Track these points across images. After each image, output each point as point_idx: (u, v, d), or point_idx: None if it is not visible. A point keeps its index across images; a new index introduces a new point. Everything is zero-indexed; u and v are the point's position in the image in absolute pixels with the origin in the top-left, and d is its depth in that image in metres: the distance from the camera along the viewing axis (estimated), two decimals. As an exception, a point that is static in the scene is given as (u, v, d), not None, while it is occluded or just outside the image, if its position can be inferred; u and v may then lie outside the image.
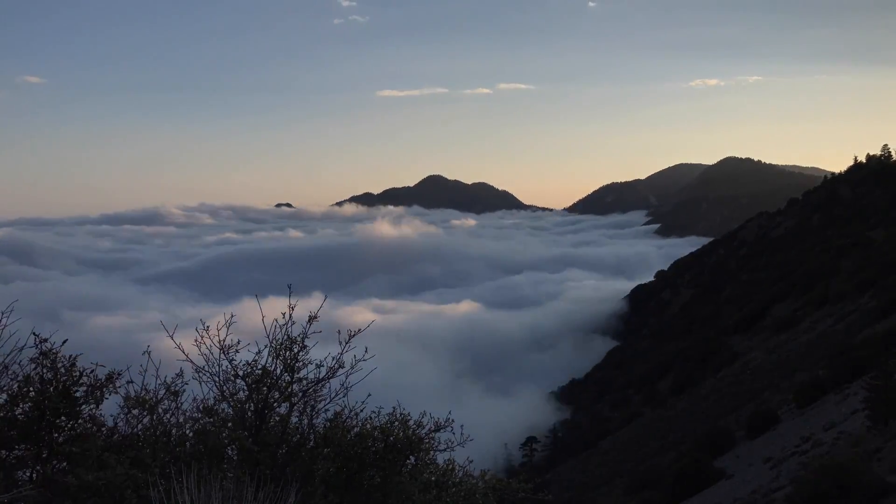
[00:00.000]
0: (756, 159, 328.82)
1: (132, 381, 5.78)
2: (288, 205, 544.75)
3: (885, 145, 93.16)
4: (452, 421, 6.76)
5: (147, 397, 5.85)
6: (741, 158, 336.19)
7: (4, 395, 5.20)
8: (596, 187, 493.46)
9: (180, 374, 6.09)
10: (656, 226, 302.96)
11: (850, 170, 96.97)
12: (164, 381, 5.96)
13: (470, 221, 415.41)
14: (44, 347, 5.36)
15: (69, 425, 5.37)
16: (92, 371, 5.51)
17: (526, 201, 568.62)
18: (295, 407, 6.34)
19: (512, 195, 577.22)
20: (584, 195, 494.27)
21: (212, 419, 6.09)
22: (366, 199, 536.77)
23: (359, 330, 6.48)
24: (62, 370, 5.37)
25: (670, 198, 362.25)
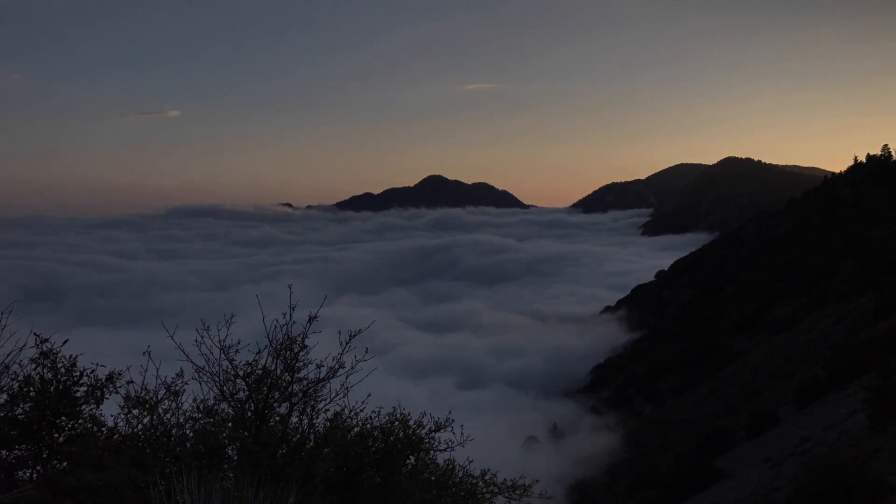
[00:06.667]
0: (756, 159, 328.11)
1: (132, 381, 5.78)
2: (288, 205, 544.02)
3: (885, 145, 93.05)
4: (452, 421, 6.76)
5: (147, 397, 5.85)
6: (741, 158, 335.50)
7: (4, 395, 5.20)
8: (596, 187, 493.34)
9: (180, 374, 6.08)
10: (646, 220, 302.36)
11: (850, 170, 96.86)
12: (164, 381, 5.95)
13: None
14: (44, 347, 5.36)
15: (69, 425, 5.37)
16: (92, 371, 5.51)
17: (526, 201, 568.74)
18: (295, 407, 6.34)
19: (512, 195, 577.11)
20: (584, 195, 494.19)
21: (212, 419, 6.09)
22: (366, 199, 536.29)
23: (359, 330, 6.48)
24: (62, 370, 5.37)
25: (670, 198, 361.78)
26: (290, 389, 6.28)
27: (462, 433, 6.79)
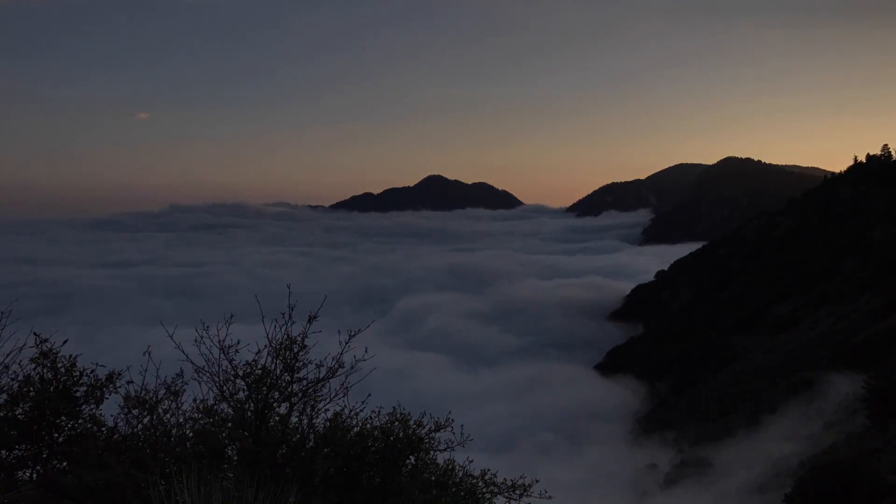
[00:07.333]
0: (756, 159, 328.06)
1: (132, 381, 5.78)
2: (287, 204, 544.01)
3: (885, 145, 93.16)
4: (452, 421, 6.76)
5: (147, 397, 5.85)
6: (741, 158, 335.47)
7: (4, 395, 5.20)
8: (596, 187, 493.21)
9: (180, 374, 6.08)
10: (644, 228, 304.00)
11: (850, 170, 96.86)
12: (164, 381, 5.95)
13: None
14: (44, 347, 5.37)
15: (69, 425, 5.37)
16: (92, 371, 5.52)
17: (526, 201, 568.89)
18: (295, 407, 6.34)
19: (512, 195, 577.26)
20: (584, 195, 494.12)
21: (212, 419, 6.09)
22: (366, 199, 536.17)
23: (359, 330, 6.49)
24: (62, 370, 5.38)
25: (670, 198, 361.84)
26: (289, 389, 6.28)
27: (462, 433, 6.79)
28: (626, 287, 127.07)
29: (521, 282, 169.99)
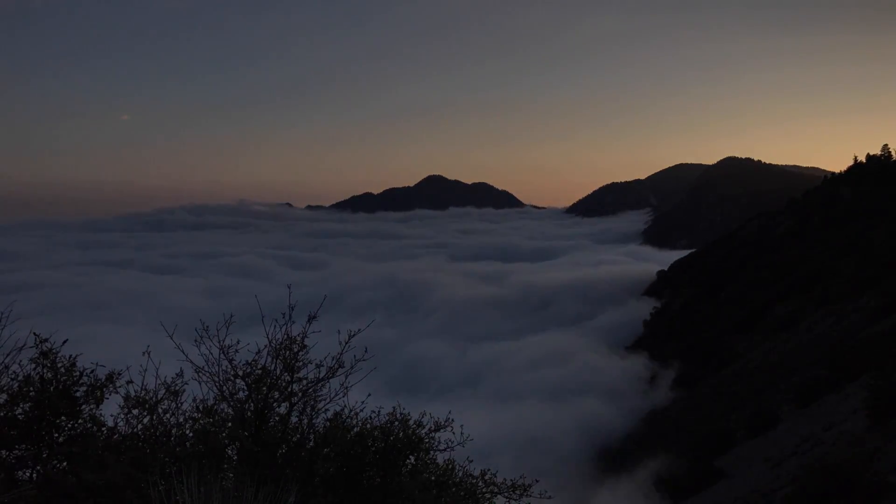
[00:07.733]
0: (756, 159, 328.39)
1: (132, 381, 5.78)
2: (288, 204, 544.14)
3: (885, 145, 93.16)
4: (452, 420, 6.77)
5: (147, 397, 5.85)
6: (741, 158, 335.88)
7: (4, 395, 5.20)
8: (596, 187, 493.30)
9: (180, 374, 6.09)
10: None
11: (850, 170, 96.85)
12: (164, 381, 5.96)
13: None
14: (44, 347, 5.37)
15: (69, 425, 5.37)
16: (92, 371, 5.52)
17: (526, 201, 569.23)
18: (295, 407, 6.34)
19: (512, 195, 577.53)
20: (584, 195, 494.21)
21: (212, 419, 6.09)
22: (365, 200, 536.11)
23: (358, 330, 6.49)
24: (62, 370, 5.38)
25: (670, 198, 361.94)
26: (289, 389, 6.28)
27: (462, 433, 6.80)
28: (624, 285, 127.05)
29: (521, 277, 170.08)
